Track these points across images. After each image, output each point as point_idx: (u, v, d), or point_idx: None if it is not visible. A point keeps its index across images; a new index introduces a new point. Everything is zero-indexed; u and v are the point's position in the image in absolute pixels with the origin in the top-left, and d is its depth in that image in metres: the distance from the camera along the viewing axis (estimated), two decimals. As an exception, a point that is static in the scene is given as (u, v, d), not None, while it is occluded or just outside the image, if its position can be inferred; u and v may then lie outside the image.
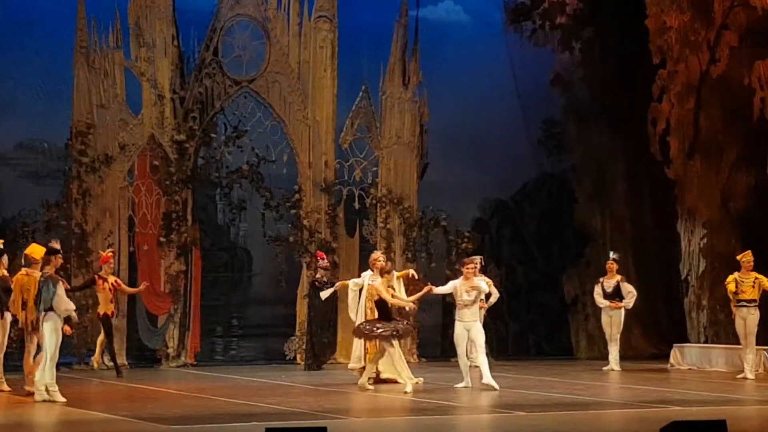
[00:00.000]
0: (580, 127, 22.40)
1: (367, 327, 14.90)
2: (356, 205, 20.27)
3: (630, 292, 18.43)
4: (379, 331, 14.71)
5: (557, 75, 22.38)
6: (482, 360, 14.86)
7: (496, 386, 14.52)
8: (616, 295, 18.35)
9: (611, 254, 18.70)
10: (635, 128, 21.58)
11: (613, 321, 18.47)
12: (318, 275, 18.46)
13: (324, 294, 17.46)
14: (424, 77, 20.59)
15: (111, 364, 17.01)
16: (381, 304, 14.81)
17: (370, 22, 20.59)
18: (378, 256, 16.12)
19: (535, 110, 22.26)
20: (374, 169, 20.39)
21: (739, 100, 19.98)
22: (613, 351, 18.36)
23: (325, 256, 18.48)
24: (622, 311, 18.46)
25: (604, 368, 18.19)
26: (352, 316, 16.13)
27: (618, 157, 22.36)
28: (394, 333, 14.76)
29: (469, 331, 15.02)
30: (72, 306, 13.72)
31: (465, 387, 14.96)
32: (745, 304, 17.09)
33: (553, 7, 22.24)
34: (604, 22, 22.17)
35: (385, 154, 20.43)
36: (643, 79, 21.24)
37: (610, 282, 18.43)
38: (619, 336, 18.46)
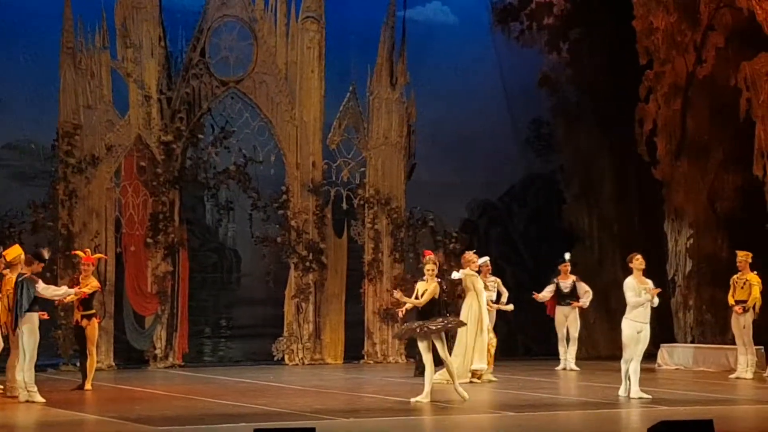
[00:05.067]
0: (567, 127, 22.45)
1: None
2: (344, 205, 20.27)
3: (586, 291, 18.63)
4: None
5: (545, 75, 22.43)
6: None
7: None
8: (572, 294, 18.53)
9: (566, 256, 18.76)
10: (623, 129, 21.64)
11: (569, 321, 18.62)
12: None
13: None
14: (411, 78, 20.60)
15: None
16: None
17: (358, 22, 20.60)
18: (472, 256, 16.18)
19: (523, 111, 22.30)
20: (362, 169, 20.40)
21: (725, 100, 20.06)
22: (572, 350, 18.50)
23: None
24: (578, 311, 18.64)
25: (557, 368, 18.27)
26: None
27: (605, 158, 22.43)
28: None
29: None
30: (60, 290, 13.79)
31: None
32: (736, 304, 17.14)
33: (541, 7, 22.29)
34: (591, 22, 22.23)
35: (373, 154, 20.43)
36: (630, 79, 21.31)
37: (566, 282, 18.62)
38: (577, 335, 18.59)
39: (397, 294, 14.21)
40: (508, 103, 22.08)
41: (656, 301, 14.34)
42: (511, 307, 17.61)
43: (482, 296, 16.15)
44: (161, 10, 19.24)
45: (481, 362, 16.02)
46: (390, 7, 20.56)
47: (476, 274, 16.28)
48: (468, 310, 16.05)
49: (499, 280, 17.73)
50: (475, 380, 15.95)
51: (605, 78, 21.83)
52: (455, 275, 16.34)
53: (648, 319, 14.11)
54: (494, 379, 16.24)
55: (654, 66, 21.12)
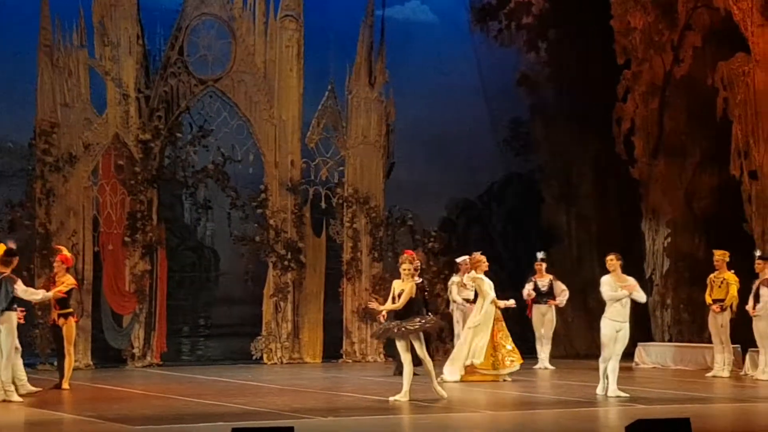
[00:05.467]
0: (546, 126, 22.50)
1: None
2: (323, 204, 20.26)
3: (563, 290, 18.69)
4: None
5: (523, 75, 22.47)
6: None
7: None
8: (549, 293, 18.59)
9: (538, 254, 18.80)
10: (601, 128, 21.71)
11: (546, 319, 18.68)
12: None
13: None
14: (390, 77, 20.61)
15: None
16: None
17: (337, 21, 20.59)
18: (481, 257, 16.38)
19: (502, 110, 22.34)
20: (340, 168, 20.39)
21: (702, 100, 20.14)
22: (546, 349, 18.55)
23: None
24: (554, 309, 18.71)
25: (535, 367, 18.33)
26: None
27: (584, 157, 22.48)
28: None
29: None
30: (38, 294, 13.78)
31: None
32: (714, 303, 17.20)
33: (519, 7, 22.32)
34: (569, 22, 22.28)
35: (352, 153, 20.43)
36: (608, 79, 21.37)
37: (543, 281, 18.68)
38: (551, 334, 18.66)
39: (373, 305, 14.22)
40: (486, 103, 22.11)
41: (641, 296, 14.34)
42: (512, 302, 17.55)
43: (488, 298, 16.23)
44: (139, 8, 19.19)
45: (477, 358, 16.09)
46: (369, 6, 20.57)
47: (482, 277, 16.38)
48: (474, 313, 16.25)
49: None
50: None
51: (583, 77, 21.88)
52: (465, 279, 16.54)
53: (627, 318, 14.15)
54: (508, 379, 16.36)
55: (632, 65, 21.20)
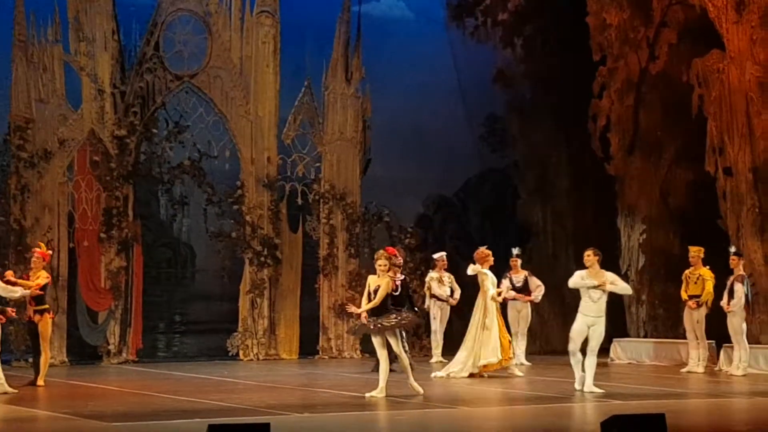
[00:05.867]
0: (522, 123, 22.55)
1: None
2: (299, 200, 20.25)
3: (538, 286, 18.69)
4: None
5: (499, 71, 22.51)
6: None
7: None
8: (524, 289, 18.61)
9: (514, 250, 18.81)
10: (576, 124, 21.78)
11: (521, 315, 18.70)
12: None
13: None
14: (366, 73, 20.61)
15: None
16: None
17: (313, 17, 20.56)
18: (487, 252, 16.42)
19: (478, 106, 22.37)
20: (317, 164, 20.38)
21: (678, 97, 20.23)
22: (522, 345, 18.58)
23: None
24: (530, 306, 18.75)
25: (512, 363, 18.37)
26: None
27: (560, 153, 22.55)
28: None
29: None
30: (16, 291, 13.70)
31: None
32: (690, 298, 17.28)
33: (495, 3, 22.36)
34: (545, 18, 22.33)
35: (328, 149, 20.42)
36: (584, 75, 21.43)
37: (518, 277, 18.67)
38: (526, 331, 18.71)
39: (351, 309, 14.20)
40: (463, 99, 22.13)
41: (622, 287, 14.29)
42: (512, 293, 17.63)
43: (488, 293, 16.25)
44: (114, 3, 19.11)
45: (492, 357, 16.13)
46: (345, 2, 20.56)
47: (487, 272, 16.38)
48: (476, 309, 16.29)
49: (452, 276, 17.82)
50: (484, 374, 16.16)
51: (559, 74, 21.94)
52: (469, 270, 16.51)
53: (601, 314, 14.13)
54: (519, 373, 16.46)
55: (607, 62, 21.26)
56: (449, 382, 15.86)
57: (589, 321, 14.06)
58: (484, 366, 16.19)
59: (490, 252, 16.58)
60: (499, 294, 16.62)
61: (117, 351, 18.81)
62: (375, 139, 20.78)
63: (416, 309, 16.70)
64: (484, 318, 16.25)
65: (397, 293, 15.98)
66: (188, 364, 18.66)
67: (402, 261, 16.75)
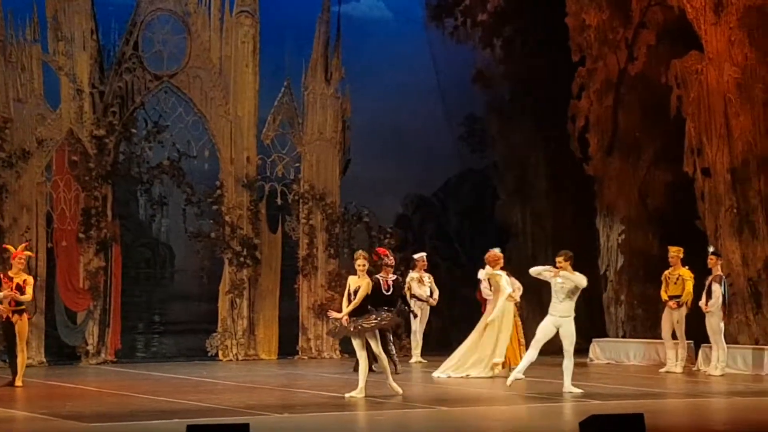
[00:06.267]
0: (501, 123, 22.58)
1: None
2: (278, 201, 20.22)
3: (518, 287, 18.68)
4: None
5: (479, 72, 22.54)
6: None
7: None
8: None
9: (496, 250, 18.78)
10: (556, 125, 21.82)
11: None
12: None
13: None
14: (346, 73, 20.60)
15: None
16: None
17: (293, 17, 20.54)
18: (499, 254, 16.48)
19: (457, 107, 22.39)
20: (296, 165, 20.36)
21: (656, 97, 20.29)
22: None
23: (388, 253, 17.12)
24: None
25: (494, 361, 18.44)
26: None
27: (539, 154, 22.59)
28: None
29: None
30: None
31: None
32: (670, 299, 17.34)
33: (475, 4, 22.39)
34: (524, 19, 22.37)
35: (308, 150, 20.41)
36: (563, 76, 21.48)
37: None
38: None
39: (333, 315, 14.16)
40: (442, 99, 22.16)
41: (575, 278, 14.10)
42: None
43: (504, 294, 16.29)
44: (93, 2, 19.04)
45: (501, 356, 16.27)
46: (325, 2, 20.54)
47: (501, 273, 16.42)
48: (495, 308, 16.32)
49: (432, 276, 17.82)
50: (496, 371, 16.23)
51: (538, 74, 21.98)
52: (480, 274, 16.50)
53: (567, 314, 14.12)
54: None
55: (586, 63, 21.32)
56: (428, 383, 15.86)
57: (555, 321, 14.16)
58: (495, 363, 16.24)
59: (501, 254, 16.61)
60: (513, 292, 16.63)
61: (95, 351, 18.74)
62: (354, 139, 20.78)
63: (410, 309, 16.72)
64: (503, 319, 16.29)
65: (389, 293, 16.09)
66: (167, 364, 18.62)
67: (393, 261, 16.77)
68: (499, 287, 16.39)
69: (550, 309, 14.24)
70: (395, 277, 16.56)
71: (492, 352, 16.34)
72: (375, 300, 15.84)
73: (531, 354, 14.34)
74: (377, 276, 16.46)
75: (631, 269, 21.10)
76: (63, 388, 15.24)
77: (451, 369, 16.41)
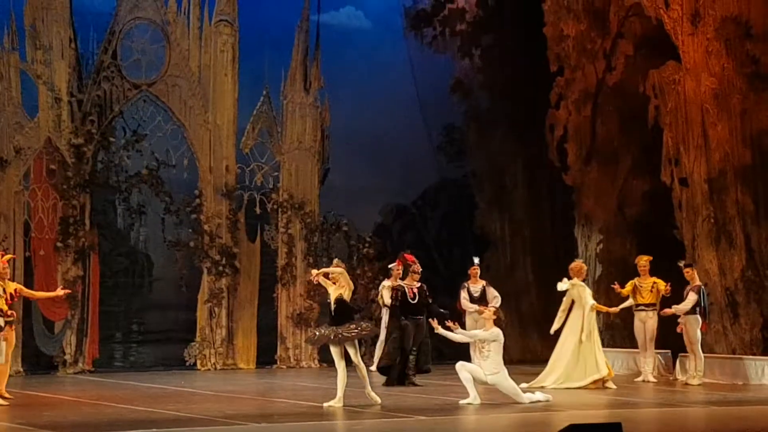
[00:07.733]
0: (480, 133, 22.63)
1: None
2: (257, 210, 20.21)
3: (495, 296, 18.67)
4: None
5: (457, 81, 22.59)
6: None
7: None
8: (482, 299, 18.59)
9: (475, 259, 18.79)
10: (534, 135, 21.90)
11: (478, 326, 18.66)
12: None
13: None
14: (325, 82, 20.63)
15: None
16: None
17: (272, 26, 20.55)
18: (582, 265, 16.53)
19: (436, 116, 22.42)
20: (275, 173, 20.36)
21: (634, 107, 20.40)
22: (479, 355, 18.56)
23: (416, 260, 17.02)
24: None
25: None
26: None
27: (517, 163, 22.65)
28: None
29: None
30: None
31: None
32: (644, 308, 17.40)
33: (453, 14, 22.45)
34: (503, 29, 22.44)
35: (287, 158, 20.41)
36: (541, 86, 21.56)
37: (476, 287, 18.57)
38: None
39: (314, 272, 14.25)
40: (421, 109, 22.18)
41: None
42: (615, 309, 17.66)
43: (587, 306, 16.21)
44: (72, 11, 19.01)
45: (604, 369, 16.18)
46: (304, 11, 20.58)
47: (583, 284, 16.37)
48: (575, 320, 16.21)
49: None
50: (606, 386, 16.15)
51: (517, 84, 22.06)
52: (561, 286, 16.34)
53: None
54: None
55: (564, 73, 21.42)
56: (406, 392, 15.86)
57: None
58: (595, 381, 16.10)
59: (585, 266, 16.63)
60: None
61: (73, 361, 18.68)
62: (333, 148, 20.80)
63: (430, 315, 16.35)
64: (581, 332, 16.17)
65: (415, 301, 16.11)
66: (145, 373, 18.57)
67: (420, 268, 16.74)
68: (581, 298, 16.27)
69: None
70: (420, 284, 16.52)
71: (595, 365, 16.16)
72: (402, 308, 16.02)
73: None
74: (403, 284, 16.57)
75: (609, 278, 21.15)
76: (40, 397, 15.18)
77: (553, 383, 16.16)
